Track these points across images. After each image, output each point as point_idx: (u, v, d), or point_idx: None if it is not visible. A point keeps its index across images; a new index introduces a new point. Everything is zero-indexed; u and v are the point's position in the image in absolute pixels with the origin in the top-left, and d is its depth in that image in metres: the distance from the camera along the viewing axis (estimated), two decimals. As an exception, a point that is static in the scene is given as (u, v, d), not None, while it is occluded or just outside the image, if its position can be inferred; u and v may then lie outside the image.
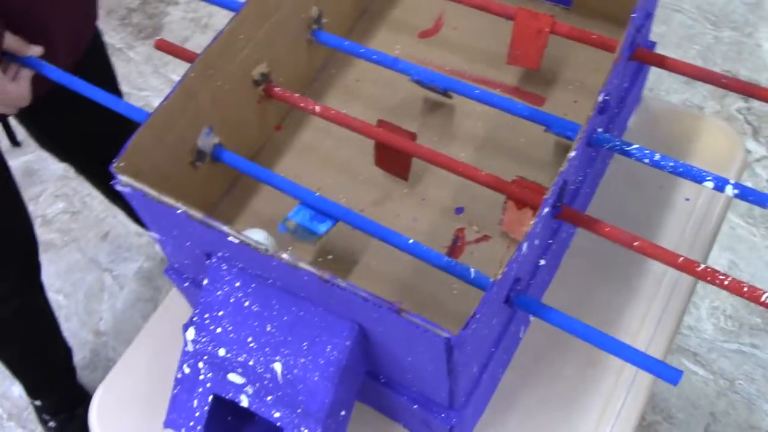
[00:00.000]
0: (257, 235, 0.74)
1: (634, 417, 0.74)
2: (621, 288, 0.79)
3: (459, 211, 0.78)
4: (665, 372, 0.58)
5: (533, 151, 0.81)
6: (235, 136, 0.77)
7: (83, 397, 1.48)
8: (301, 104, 0.77)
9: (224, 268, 0.65)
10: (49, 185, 1.87)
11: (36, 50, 0.79)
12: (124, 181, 0.62)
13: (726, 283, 0.61)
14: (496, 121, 0.83)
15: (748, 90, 0.74)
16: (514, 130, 0.82)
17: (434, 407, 0.66)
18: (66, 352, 1.41)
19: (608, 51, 0.79)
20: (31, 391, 1.40)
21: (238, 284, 0.64)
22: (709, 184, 0.69)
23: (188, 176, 0.73)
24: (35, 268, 1.20)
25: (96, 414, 0.80)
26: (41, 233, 1.78)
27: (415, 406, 0.66)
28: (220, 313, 0.65)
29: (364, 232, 0.69)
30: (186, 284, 0.74)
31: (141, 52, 2.09)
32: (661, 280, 0.80)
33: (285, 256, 0.57)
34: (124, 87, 1.99)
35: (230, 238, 0.59)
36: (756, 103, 1.82)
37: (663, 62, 0.76)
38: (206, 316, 0.65)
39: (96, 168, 1.32)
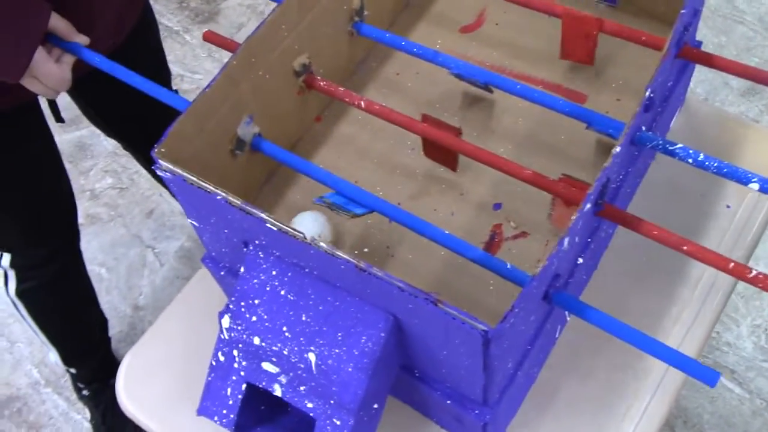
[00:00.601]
0: (307, 218, 0.75)
1: (657, 422, 0.72)
2: (659, 291, 0.78)
3: (497, 207, 0.77)
4: (703, 373, 0.57)
5: (574, 149, 0.80)
6: (274, 126, 0.78)
7: (117, 368, 1.50)
8: (344, 97, 0.77)
9: (261, 256, 0.65)
10: (100, 161, 1.90)
11: (83, 39, 0.80)
12: (164, 167, 0.62)
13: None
14: (537, 117, 0.82)
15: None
16: (555, 127, 0.81)
17: (468, 403, 0.65)
18: (102, 323, 1.43)
19: (655, 49, 0.77)
20: (66, 359, 1.42)
21: (274, 273, 0.64)
22: (755, 186, 0.67)
23: (228, 165, 0.73)
24: (74, 234, 1.22)
25: (123, 381, 0.81)
26: (88, 207, 1.81)
27: (449, 402, 0.66)
28: (256, 302, 0.65)
29: (400, 224, 0.68)
30: (222, 273, 0.74)
31: (197, 35, 2.11)
32: (696, 284, 0.78)
33: (322, 244, 0.57)
34: (178, 69, 2.01)
35: (268, 225, 0.59)
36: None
37: (710, 60, 0.75)
38: (242, 304, 0.65)
39: (140, 146, 1.34)
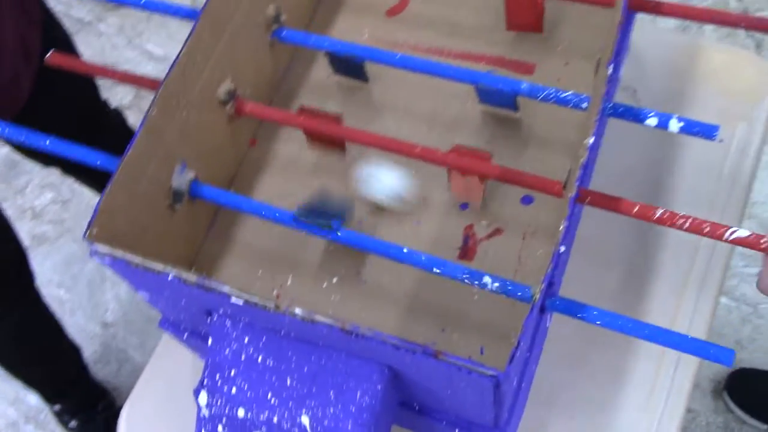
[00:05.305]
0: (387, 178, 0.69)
1: (682, 403, 0.70)
2: (641, 269, 0.73)
3: (464, 207, 0.72)
4: (718, 354, 0.54)
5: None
6: (210, 164, 0.70)
7: (101, 393, 1.44)
8: (278, 119, 0.70)
9: (228, 324, 0.59)
10: (34, 176, 1.75)
11: None
12: (101, 252, 0.55)
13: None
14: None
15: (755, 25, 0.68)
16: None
17: (478, 429, 0.61)
18: (75, 353, 1.37)
19: (602, 4, 0.72)
20: (48, 398, 1.37)
21: (246, 340, 0.58)
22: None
23: (168, 221, 0.65)
24: (28, 279, 1.14)
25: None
26: (32, 227, 1.68)
27: (456, 431, 0.62)
28: (232, 373, 0.59)
29: (367, 251, 0.63)
30: (185, 336, 0.68)
31: (112, 23, 1.92)
32: (694, 255, 0.74)
33: (298, 311, 0.51)
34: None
35: (233, 300, 0.53)
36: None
37: (659, 8, 0.70)
38: (217, 377, 0.59)
39: (81, 171, 1.25)
